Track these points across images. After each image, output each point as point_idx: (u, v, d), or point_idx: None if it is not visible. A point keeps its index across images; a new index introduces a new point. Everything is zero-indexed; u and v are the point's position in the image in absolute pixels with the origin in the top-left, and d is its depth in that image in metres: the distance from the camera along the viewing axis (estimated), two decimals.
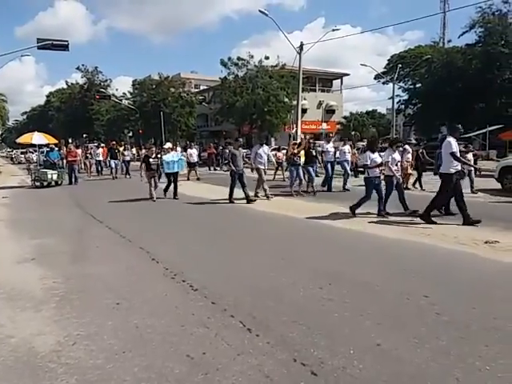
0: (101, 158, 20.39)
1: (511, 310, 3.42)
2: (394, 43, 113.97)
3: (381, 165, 7.71)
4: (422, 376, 2.49)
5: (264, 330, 3.11)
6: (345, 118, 45.67)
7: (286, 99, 32.22)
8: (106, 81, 50.71)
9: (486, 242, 5.61)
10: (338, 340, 2.94)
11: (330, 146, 12.68)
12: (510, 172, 11.34)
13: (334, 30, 24.62)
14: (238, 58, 32.75)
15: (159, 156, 11.92)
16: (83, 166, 21.00)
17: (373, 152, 7.81)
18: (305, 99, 34.99)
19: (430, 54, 33.06)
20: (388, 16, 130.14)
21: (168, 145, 12.23)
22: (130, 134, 47.76)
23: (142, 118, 40.44)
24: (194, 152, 16.82)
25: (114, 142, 21.10)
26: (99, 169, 20.37)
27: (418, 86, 36.78)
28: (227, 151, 15.72)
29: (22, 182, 17.44)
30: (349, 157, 13.01)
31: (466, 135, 23.14)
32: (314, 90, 43.28)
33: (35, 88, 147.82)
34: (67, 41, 20.34)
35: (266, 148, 11.36)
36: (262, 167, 10.76)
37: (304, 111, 36.08)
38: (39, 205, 10.93)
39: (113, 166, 18.68)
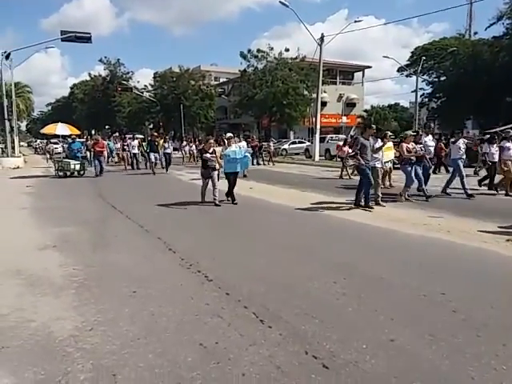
0: (136, 151, 19.06)
1: None
2: (419, 35, 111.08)
3: None
4: (435, 373, 2.45)
5: (276, 322, 3.12)
6: (366, 111, 44.92)
7: (306, 92, 31.97)
8: (128, 73, 51.43)
9: (507, 240, 5.47)
10: (350, 334, 2.93)
11: (429, 139, 9.81)
12: None
13: (356, 22, 24.24)
14: (258, 51, 32.61)
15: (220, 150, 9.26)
16: (117, 159, 20.24)
17: None
18: (325, 92, 34.61)
19: (456, 46, 32.14)
20: (413, 7, 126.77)
21: (229, 135, 9.88)
22: (151, 126, 48.34)
23: (163, 111, 40.84)
24: (242, 145, 15.10)
25: (156, 134, 19.49)
26: (135, 162, 19.04)
27: (442, 79, 35.84)
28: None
29: (45, 172, 17.88)
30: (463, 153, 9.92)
31: (492, 130, 22.50)
32: (335, 83, 42.74)
33: (60, 80, 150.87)
34: (90, 33, 20.81)
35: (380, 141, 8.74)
36: (379, 166, 8.53)
37: (324, 104, 35.71)
38: (62, 194, 11.19)
39: (152, 159, 16.71)
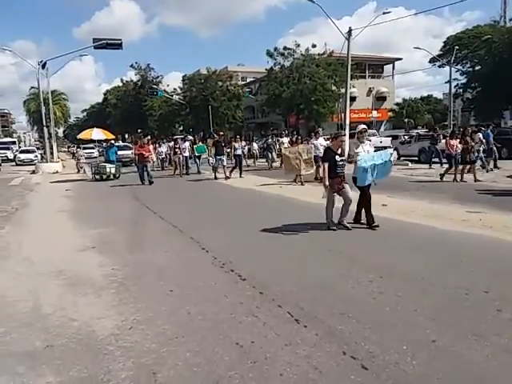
0: (188, 154, 17.56)
1: None
2: (451, 24, 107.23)
3: None
4: (480, 374, 2.36)
5: (312, 322, 3.09)
6: (397, 104, 43.79)
7: (334, 87, 31.53)
8: (158, 77, 52.39)
9: None
10: (389, 334, 2.85)
11: None
12: None
13: (384, 13, 23.58)
14: (285, 48, 32.46)
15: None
16: (170, 164, 18.82)
17: None
18: (353, 87, 33.88)
19: (490, 33, 30.76)
20: None
21: (363, 126, 6.65)
22: (181, 128, 49.14)
23: (192, 113, 41.43)
24: (321, 143, 12.00)
25: (222, 133, 17.69)
26: (186, 166, 17.48)
27: (477, 68, 34.40)
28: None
29: (83, 176, 18.55)
30: None
31: None
32: (364, 77, 41.86)
33: (94, 86, 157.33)
34: (121, 39, 21.36)
35: None
36: None
37: (353, 99, 35.03)
38: (100, 197, 11.54)
39: (224, 163, 14.74)
